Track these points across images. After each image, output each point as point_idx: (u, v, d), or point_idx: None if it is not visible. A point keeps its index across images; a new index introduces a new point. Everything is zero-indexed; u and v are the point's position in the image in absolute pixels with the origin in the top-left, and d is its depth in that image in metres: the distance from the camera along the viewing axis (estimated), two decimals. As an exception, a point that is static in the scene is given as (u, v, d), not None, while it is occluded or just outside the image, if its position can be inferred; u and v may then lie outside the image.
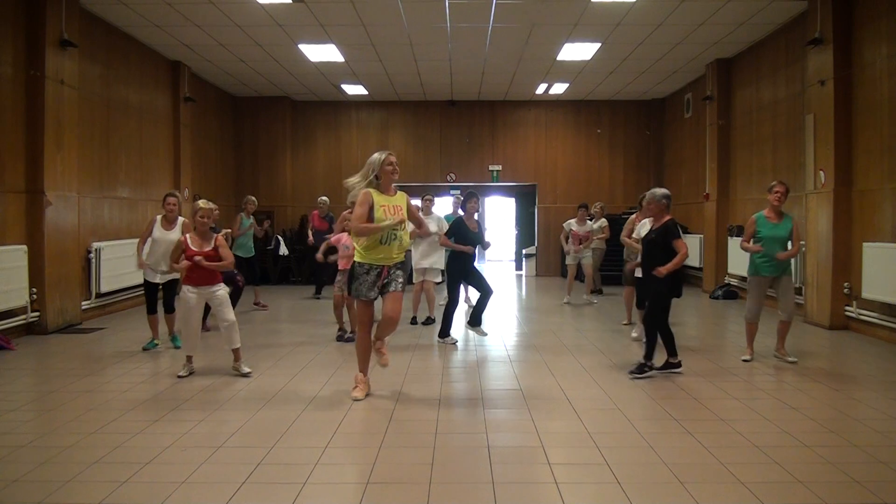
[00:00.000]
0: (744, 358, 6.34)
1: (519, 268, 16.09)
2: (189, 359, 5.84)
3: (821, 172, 8.24)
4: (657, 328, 5.73)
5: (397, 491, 3.43)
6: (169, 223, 6.83)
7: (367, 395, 5.13)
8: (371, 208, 4.85)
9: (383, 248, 4.90)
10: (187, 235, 5.78)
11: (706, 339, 7.64)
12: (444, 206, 16.01)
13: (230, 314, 5.83)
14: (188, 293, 5.70)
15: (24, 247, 7.49)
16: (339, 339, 7.41)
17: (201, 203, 5.75)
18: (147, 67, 10.62)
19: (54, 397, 5.12)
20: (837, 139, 7.97)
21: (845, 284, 7.90)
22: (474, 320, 7.26)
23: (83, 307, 8.60)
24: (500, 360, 6.57)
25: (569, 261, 10.65)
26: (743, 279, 10.68)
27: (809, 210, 8.51)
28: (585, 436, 4.22)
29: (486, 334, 7.39)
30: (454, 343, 7.25)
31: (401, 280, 5.03)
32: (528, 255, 15.48)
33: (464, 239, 7.14)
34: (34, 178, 7.70)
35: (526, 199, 16.13)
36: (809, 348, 7.03)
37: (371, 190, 4.93)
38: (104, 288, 9.05)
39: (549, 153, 15.28)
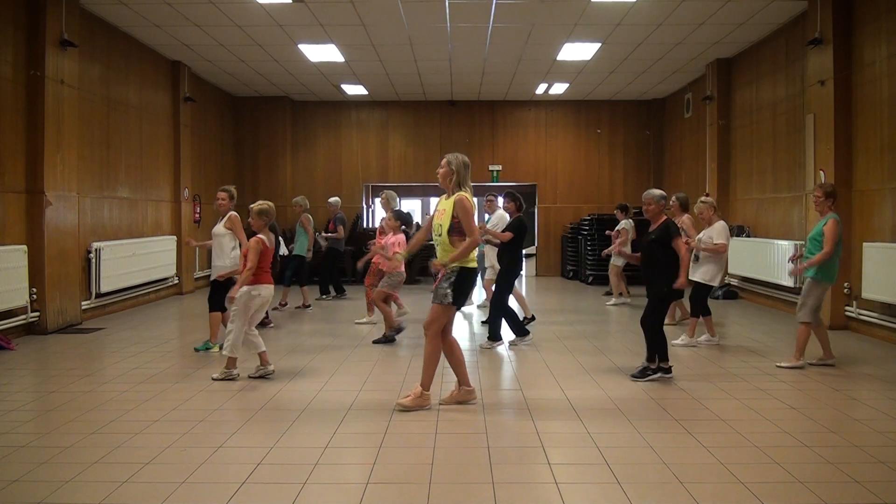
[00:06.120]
0: (798, 364, 6.07)
1: (519, 268, 16.07)
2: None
3: (821, 172, 8.24)
4: (656, 330, 5.69)
5: (397, 491, 3.43)
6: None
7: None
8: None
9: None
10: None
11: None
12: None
13: None
14: (267, 292, 5.63)
15: (24, 247, 7.48)
16: (384, 341, 7.22)
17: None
18: (147, 67, 10.62)
19: (54, 397, 5.12)
20: (837, 139, 7.97)
21: (845, 284, 7.89)
22: (520, 331, 7.28)
23: (83, 307, 8.59)
24: (499, 360, 6.57)
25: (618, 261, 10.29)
26: (744, 279, 10.69)
27: (809, 210, 8.50)
28: (585, 436, 4.22)
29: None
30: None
31: None
32: (528, 255, 15.47)
33: (524, 242, 7.12)
34: (34, 178, 7.69)
35: (526, 199, 16.04)
36: (809, 348, 7.01)
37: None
38: (104, 288, 9.05)
39: (549, 153, 15.26)
